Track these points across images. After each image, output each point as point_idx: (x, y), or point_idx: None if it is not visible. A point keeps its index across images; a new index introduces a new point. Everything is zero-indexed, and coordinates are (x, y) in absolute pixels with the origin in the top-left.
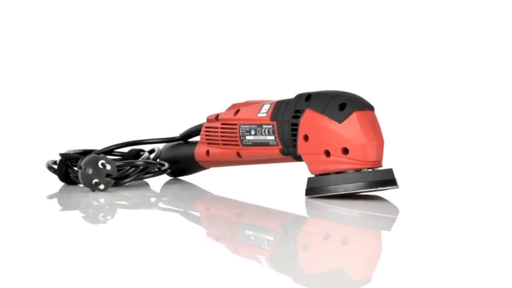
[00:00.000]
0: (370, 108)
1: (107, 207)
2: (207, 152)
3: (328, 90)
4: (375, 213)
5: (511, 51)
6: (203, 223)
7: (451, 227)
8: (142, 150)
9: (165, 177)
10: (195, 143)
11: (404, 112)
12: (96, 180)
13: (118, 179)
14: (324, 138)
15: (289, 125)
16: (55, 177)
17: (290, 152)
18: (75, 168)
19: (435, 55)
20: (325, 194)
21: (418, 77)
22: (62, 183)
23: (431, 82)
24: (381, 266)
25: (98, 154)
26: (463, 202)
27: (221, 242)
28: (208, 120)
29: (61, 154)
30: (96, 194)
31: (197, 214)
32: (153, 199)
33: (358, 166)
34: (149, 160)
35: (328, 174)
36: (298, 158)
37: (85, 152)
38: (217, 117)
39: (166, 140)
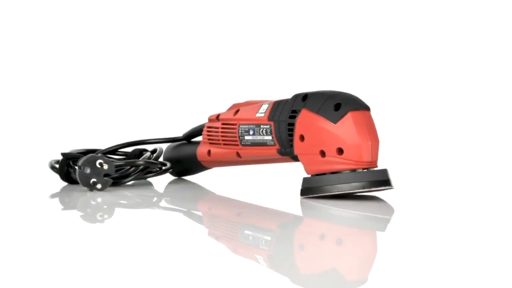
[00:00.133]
0: (366, 108)
1: (105, 207)
2: (209, 152)
3: (324, 90)
4: (370, 214)
5: (505, 51)
6: (204, 222)
7: (446, 227)
8: (146, 150)
9: (169, 177)
10: (198, 143)
11: (401, 113)
12: (94, 179)
13: (118, 179)
14: (319, 138)
15: (285, 125)
16: (57, 177)
17: (287, 152)
18: (76, 168)
19: (432, 56)
20: (319, 194)
21: (415, 78)
22: (64, 183)
23: (428, 82)
24: (377, 266)
25: (103, 154)
26: (458, 202)
27: (221, 242)
28: (210, 120)
29: (62, 154)
30: (97, 193)
31: (198, 214)
32: (154, 199)
33: (352, 167)
34: (149, 160)
35: (324, 174)
36: (296, 158)
37: (88, 152)
38: (218, 117)
39: (169, 140)
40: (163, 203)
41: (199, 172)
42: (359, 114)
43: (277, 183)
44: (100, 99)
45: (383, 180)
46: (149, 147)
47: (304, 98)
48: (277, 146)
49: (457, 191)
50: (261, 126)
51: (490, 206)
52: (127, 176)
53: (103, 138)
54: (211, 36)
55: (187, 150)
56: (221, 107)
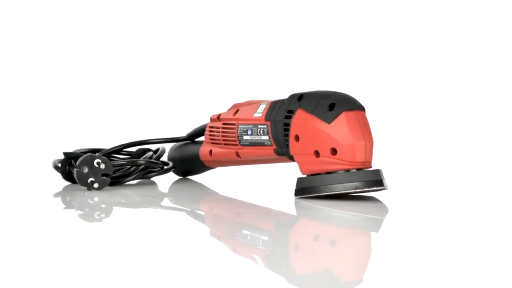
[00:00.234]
0: (360, 108)
1: (103, 206)
2: (210, 152)
3: (320, 90)
4: (365, 214)
5: (501, 51)
6: (203, 222)
7: (440, 228)
8: (150, 150)
9: (174, 177)
10: (201, 142)
11: (397, 113)
12: (91, 178)
13: (119, 178)
14: (313, 138)
15: (281, 125)
16: (60, 176)
17: (283, 152)
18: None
19: (427, 56)
20: (312, 195)
21: (410, 78)
22: (67, 182)
23: (423, 83)
24: (372, 267)
25: (107, 153)
26: (453, 203)
27: (221, 242)
28: (211, 119)
29: (64, 153)
30: (97, 193)
31: (199, 213)
32: (155, 198)
33: (346, 167)
34: (150, 159)
35: (319, 174)
36: (292, 158)
37: (92, 151)
38: (218, 117)
39: (173, 139)
40: (164, 203)
41: (202, 172)
42: (353, 114)
43: (277, 183)
44: (106, 100)
45: (376, 181)
46: (153, 147)
47: (299, 98)
48: (274, 146)
49: (452, 191)
50: (259, 126)
51: (484, 207)
52: (128, 175)
53: (109, 138)
54: (215, 37)
55: (190, 150)
56: (225, 107)
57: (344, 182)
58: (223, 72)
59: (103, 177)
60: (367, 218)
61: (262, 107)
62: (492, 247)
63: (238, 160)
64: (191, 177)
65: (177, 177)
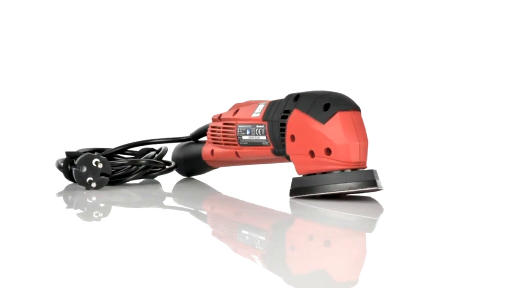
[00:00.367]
0: (355, 108)
1: (102, 205)
2: (212, 152)
3: (316, 90)
4: (359, 215)
5: (498, 52)
6: (204, 222)
7: (435, 228)
8: (153, 149)
9: (178, 177)
10: (204, 142)
11: (394, 114)
12: (90, 178)
13: (119, 177)
14: (308, 138)
15: (278, 125)
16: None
17: (280, 153)
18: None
19: (425, 56)
20: (306, 195)
21: (408, 79)
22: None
23: (419, 84)
24: (367, 268)
25: (111, 153)
26: (448, 203)
27: (220, 241)
28: (213, 119)
29: (66, 153)
30: (97, 192)
31: (200, 213)
32: (156, 198)
33: (341, 167)
34: (151, 159)
35: (314, 174)
36: (289, 158)
37: (95, 151)
38: (220, 117)
39: (176, 139)
40: (164, 203)
41: (205, 171)
42: (348, 114)
43: (278, 183)
44: (111, 100)
45: (370, 181)
46: (157, 147)
47: (296, 98)
48: (271, 146)
49: (446, 191)
50: (257, 126)
51: (479, 206)
52: (129, 174)
53: (115, 138)
54: (220, 37)
55: (193, 149)
56: (229, 107)
57: (338, 182)
58: (227, 72)
59: (102, 177)
60: (361, 218)
61: (260, 107)
62: (486, 247)
63: (238, 160)
64: (195, 177)
65: (181, 177)
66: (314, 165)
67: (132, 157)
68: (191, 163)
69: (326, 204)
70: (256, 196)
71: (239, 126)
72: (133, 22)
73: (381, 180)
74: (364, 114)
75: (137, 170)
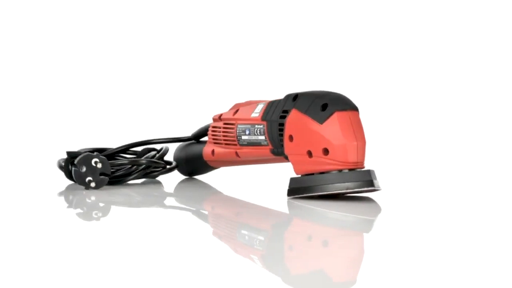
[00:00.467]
0: (353, 108)
1: (102, 205)
2: (213, 152)
3: (315, 90)
4: (357, 215)
5: (497, 52)
6: (205, 221)
7: (434, 228)
8: (154, 149)
9: (180, 177)
10: (205, 142)
11: (392, 114)
12: (89, 178)
13: (120, 177)
14: (306, 138)
15: (276, 125)
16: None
17: (279, 152)
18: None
19: (423, 57)
20: (304, 195)
21: (407, 79)
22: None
23: (418, 84)
24: (365, 268)
25: (113, 153)
26: (446, 203)
27: (220, 241)
28: (214, 119)
29: (67, 152)
30: (98, 192)
31: (200, 213)
32: (156, 198)
33: (338, 167)
34: (152, 159)
35: (312, 174)
36: (288, 158)
37: (97, 151)
38: (220, 117)
39: (178, 139)
40: (165, 202)
41: (207, 171)
42: (345, 114)
43: (279, 183)
44: (113, 100)
45: (367, 181)
46: (158, 147)
47: (294, 98)
48: (270, 146)
49: (444, 192)
50: (256, 126)
51: (477, 206)
52: (129, 174)
53: (117, 138)
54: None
55: (194, 149)
56: (229, 106)
57: (336, 182)
58: (227, 72)
59: (101, 177)
60: (359, 218)
61: (260, 107)
62: (484, 247)
63: (238, 160)
64: (197, 177)
65: (183, 177)
66: (312, 165)
67: (134, 157)
68: (193, 163)
69: (324, 204)
70: (256, 196)
71: (238, 126)
72: (134, 23)
73: (379, 180)
74: (362, 114)
75: (137, 170)
